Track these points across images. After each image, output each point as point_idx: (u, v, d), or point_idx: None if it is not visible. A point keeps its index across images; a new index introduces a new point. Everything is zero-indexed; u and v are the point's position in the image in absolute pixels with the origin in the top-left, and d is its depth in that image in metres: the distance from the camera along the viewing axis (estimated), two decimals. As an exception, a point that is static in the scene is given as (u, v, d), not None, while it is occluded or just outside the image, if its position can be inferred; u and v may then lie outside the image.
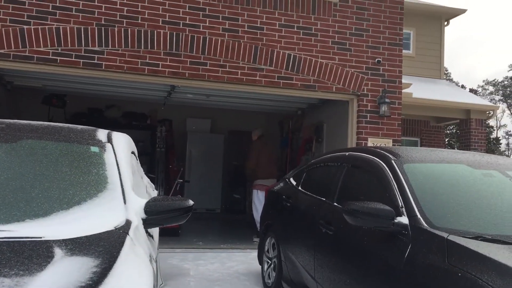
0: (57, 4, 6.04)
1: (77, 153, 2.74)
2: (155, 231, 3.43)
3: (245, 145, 10.72)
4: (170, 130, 11.18)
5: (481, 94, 34.02)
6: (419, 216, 2.74)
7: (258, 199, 8.14)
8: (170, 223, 2.70)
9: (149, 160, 10.26)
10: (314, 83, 6.99)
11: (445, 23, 12.95)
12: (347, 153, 4.07)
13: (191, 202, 2.64)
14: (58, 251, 1.89)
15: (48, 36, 5.97)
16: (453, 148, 24.28)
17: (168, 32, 6.42)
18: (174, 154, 10.85)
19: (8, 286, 1.63)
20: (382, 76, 7.31)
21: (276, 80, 6.84)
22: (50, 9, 6.01)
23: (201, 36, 6.55)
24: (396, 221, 2.76)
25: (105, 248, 1.98)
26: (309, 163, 4.90)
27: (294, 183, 4.92)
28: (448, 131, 27.01)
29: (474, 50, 57.10)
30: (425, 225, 2.67)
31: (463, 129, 11.53)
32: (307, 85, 6.97)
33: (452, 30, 53.55)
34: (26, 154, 2.62)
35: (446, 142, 25.65)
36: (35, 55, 5.94)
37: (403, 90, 7.68)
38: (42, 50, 5.95)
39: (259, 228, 7.77)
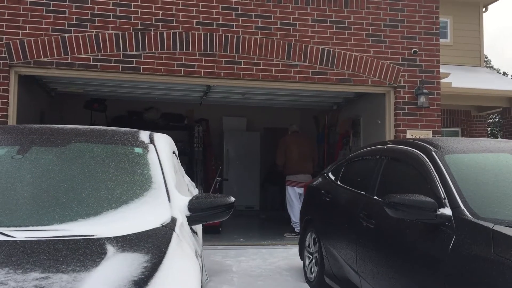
0: (95, 12, 6.24)
1: (122, 154, 2.85)
2: (198, 228, 3.52)
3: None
4: (207, 129, 11.35)
5: (524, 80, 32.80)
6: (462, 207, 2.71)
7: (289, 195, 8.17)
8: (213, 220, 2.77)
9: (187, 159, 10.45)
10: (350, 77, 6.95)
11: (483, 9, 12.54)
12: (385, 146, 4.05)
13: (232, 199, 2.70)
14: (110, 248, 1.99)
15: (88, 43, 6.19)
16: (497, 138, 23.51)
17: (202, 33, 6.53)
18: (211, 153, 11.02)
19: (66, 281, 1.73)
20: (419, 67, 7.17)
21: (310, 75, 6.83)
22: (89, 17, 6.22)
23: (235, 36, 6.62)
24: (439, 212, 2.74)
25: (153, 244, 2.07)
26: (347, 157, 4.89)
27: (332, 177, 4.92)
28: (490, 120, 26.16)
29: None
30: (469, 216, 2.63)
31: (506, 117, 11.16)
32: (342, 79, 6.93)
33: (493, 17, 51.37)
34: (75, 156, 2.75)
35: (489, 132, 24.85)
36: (76, 62, 6.16)
37: (441, 80, 7.52)
38: (83, 56, 6.17)
39: (296, 223, 7.81)
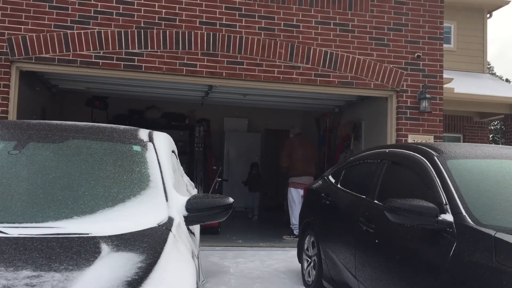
0: (98, 9, 6.21)
1: (120, 152, 2.81)
2: (196, 228, 3.48)
3: (282, 144, 10.70)
4: (208, 129, 11.31)
5: (527, 88, 32.69)
6: (464, 213, 2.67)
7: (292, 197, 8.14)
8: (211, 220, 2.74)
9: (188, 159, 10.41)
10: (352, 80, 6.91)
11: (488, 15, 12.52)
12: (387, 150, 4.00)
13: (231, 200, 2.66)
14: (104, 247, 1.95)
15: (90, 40, 6.16)
16: (498, 145, 23.44)
17: (205, 32, 6.49)
18: (212, 154, 10.97)
19: (58, 281, 1.69)
20: (422, 71, 7.13)
21: (313, 77, 6.80)
22: (92, 14, 6.19)
23: (238, 36, 6.59)
24: (440, 218, 2.70)
25: (149, 244, 2.03)
26: (348, 160, 4.85)
27: (333, 180, 4.88)
28: (492, 127, 26.09)
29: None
30: (471, 222, 2.59)
31: (508, 124, 11.13)
32: (344, 82, 6.89)
33: (498, 24, 50.93)
34: (72, 153, 2.71)
35: (490, 139, 24.78)
36: (78, 59, 6.13)
37: (444, 85, 7.48)
38: (85, 53, 6.14)
39: (296, 225, 7.77)
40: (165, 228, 2.25)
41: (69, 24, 6.13)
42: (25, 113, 6.58)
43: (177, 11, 6.44)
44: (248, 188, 10.69)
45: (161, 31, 6.36)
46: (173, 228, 2.28)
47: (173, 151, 3.56)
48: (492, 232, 2.42)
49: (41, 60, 6.06)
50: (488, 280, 2.23)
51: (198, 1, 6.51)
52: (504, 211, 2.72)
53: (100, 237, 2.05)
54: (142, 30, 6.30)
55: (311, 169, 8.29)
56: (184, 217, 2.55)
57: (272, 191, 11.75)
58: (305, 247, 5.16)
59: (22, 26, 6.02)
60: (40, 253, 1.86)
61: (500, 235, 2.38)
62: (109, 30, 6.21)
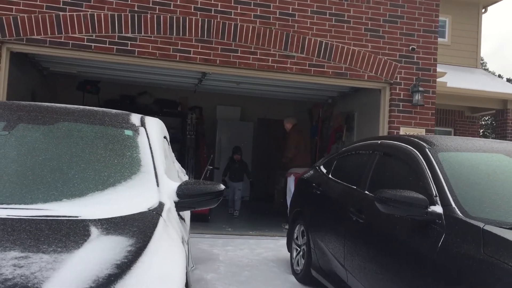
0: (92, -9, 6.13)
1: (112, 136, 2.79)
2: (186, 214, 3.47)
3: (274, 133, 10.69)
4: (201, 117, 11.27)
5: (519, 84, 32.85)
6: (453, 205, 2.69)
7: (294, 187, 8.13)
8: (202, 207, 2.73)
9: (179, 146, 10.37)
10: (346, 71, 6.90)
11: (483, 10, 12.52)
12: (379, 141, 4.01)
13: (222, 187, 2.66)
14: (94, 230, 1.94)
15: (83, 23, 6.07)
16: (489, 138, 23.55)
17: (200, 19, 6.43)
18: (204, 141, 10.94)
19: (46, 262, 1.67)
20: (416, 64, 7.14)
21: (307, 67, 6.77)
22: (85, -4, 6.10)
23: (233, 23, 6.53)
24: (429, 210, 2.71)
25: (139, 228, 2.02)
26: (340, 151, 4.85)
27: (324, 171, 4.88)
28: (482, 122, 26.27)
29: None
30: (460, 214, 2.61)
31: (499, 119, 11.19)
32: (338, 73, 6.88)
33: (493, 20, 50.94)
34: (63, 136, 2.68)
35: (481, 133, 24.96)
36: (70, 41, 6.05)
37: (437, 79, 7.50)
38: (77, 36, 6.07)
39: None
40: (155, 213, 2.24)
41: (61, 5, 6.03)
42: (15, 95, 6.50)
43: (172, -4, 6.36)
44: (228, 178, 9.36)
45: (155, 15, 6.29)
46: (164, 213, 2.27)
47: (165, 137, 3.54)
48: (480, 225, 2.44)
49: (32, 41, 5.97)
50: (476, 271, 2.25)
51: (194, -13, 6.43)
52: (493, 204, 2.74)
53: (89, 220, 2.04)
54: (136, 14, 6.23)
55: (309, 159, 8.33)
56: (174, 202, 2.54)
57: (263, 181, 11.77)
58: (295, 236, 5.18)
59: (14, 7, 5.91)
60: (28, 234, 1.84)
61: (488, 227, 2.40)
62: (102, 13, 6.13)
